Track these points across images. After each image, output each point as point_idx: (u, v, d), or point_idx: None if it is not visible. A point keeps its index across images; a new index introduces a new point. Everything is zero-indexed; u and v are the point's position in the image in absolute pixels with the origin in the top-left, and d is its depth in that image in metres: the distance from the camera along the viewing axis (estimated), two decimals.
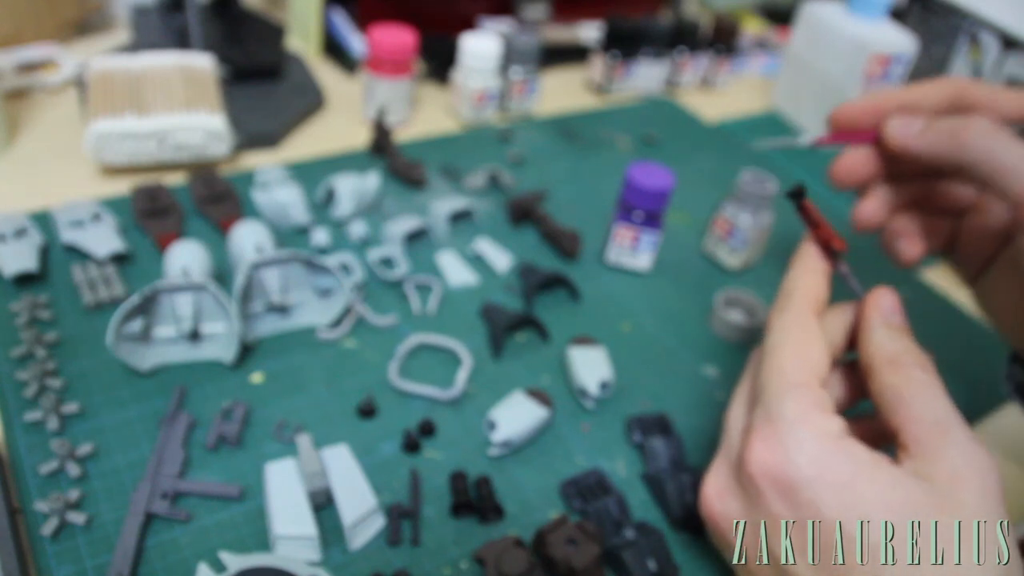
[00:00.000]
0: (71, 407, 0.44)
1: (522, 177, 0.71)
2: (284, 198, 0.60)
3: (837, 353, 0.40)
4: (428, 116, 0.79)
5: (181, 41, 0.74)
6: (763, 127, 0.87)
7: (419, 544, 0.41)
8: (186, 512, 0.41)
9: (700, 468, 0.46)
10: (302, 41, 0.86)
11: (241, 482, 0.43)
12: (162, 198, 0.59)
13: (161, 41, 0.75)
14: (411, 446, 0.46)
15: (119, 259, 0.55)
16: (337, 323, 0.53)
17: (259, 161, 0.68)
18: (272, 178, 0.63)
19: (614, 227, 0.60)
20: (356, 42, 0.84)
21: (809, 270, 0.40)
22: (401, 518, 0.42)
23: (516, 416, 0.46)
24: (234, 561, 0.36)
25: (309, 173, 0.66)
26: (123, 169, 0.64)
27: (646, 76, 0.87)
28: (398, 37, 0.71)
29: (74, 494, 0.40)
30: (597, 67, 0.86)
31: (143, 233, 0.57)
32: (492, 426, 0.46)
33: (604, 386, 0.50)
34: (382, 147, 0.69)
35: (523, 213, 0.64)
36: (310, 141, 0.72)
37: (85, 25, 0.83)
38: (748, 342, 0.58)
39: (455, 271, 0.59)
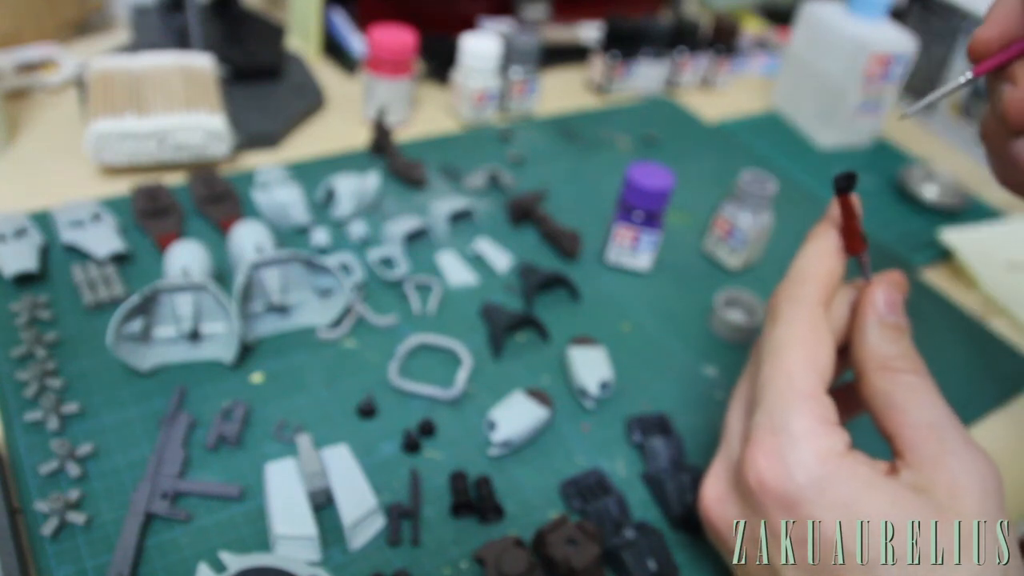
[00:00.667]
0: (71, 407, 0.44)
1: (522, 177, 0.71)
2: (284, 198, 0.60)
3: (840, 339, 0.39)
4: (428, 116, 0.79)
5: (181, 41, 0.74)
6: (763, 127, 0.87)
7: (419, 544, 0.41)
8: (186, 512, 0.41)
9: (700, 468, 0.46)
10: (302, 41, 0.86)
11: (241, 482, 0.43)
12: (162, 198, 0.59)
13: (161, 41, 0.75)
14: (411, 446, 0.46)
15: (119, 259, 0.55)
16: (337, 323, 0.53)
17: (259, 161, 0.68)
18: (272, 178, 0.63)
19: (614, 227, 0.60)
20: (356, 42, 0.84)
21: (826, 252, 0.38)
22: (401, 518, 0.42)
23: (516, 416, 0.46)
24: (234, 561, 0.36)
25: (309, 173, 0.66)
26: (123, 169, 0.64)
27: (646, 76, 0.87)
28: (398, 37, 0.71)
29: (74, 494, 0.40)
30: (597, 67, 0.86)
31: (143, 233, 0.57)
32: (492, 426, 0.46)
33: (604, 386, 0.50)
34: (382, 147, 0.69)
35: (523, 213, 0.64)
36: (310, 141, 0.72)
37: (85, 25, 0.83)
38: (748, 342, 0.57)
39: (455, 271, 0.59)
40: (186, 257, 0.51)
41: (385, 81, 0.72)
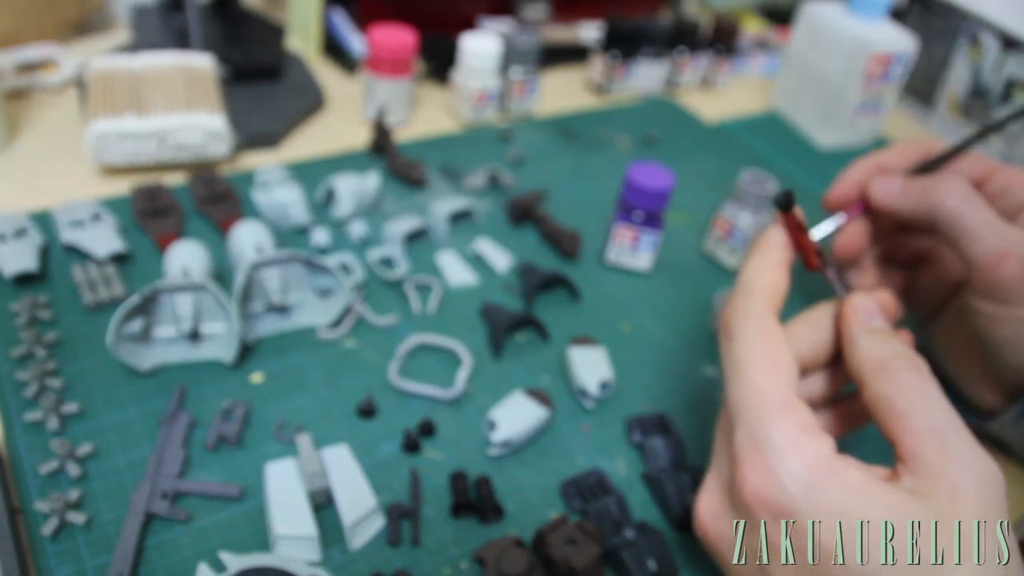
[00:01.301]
0: (71, 407, 0.44)
1: (522, 177, 0.71)
2: (284, 198, 0.60)
3: (824, 356, 0.39)
4: (428, 116, 0.79)
5: (181, 41, 0.74)
6: (763, 127, 0.87)
7: (419, 544, 0.41)
8: (186, 512, 0.41)
9: (700, 468, 0.46)
10: (302, 41, 0.86)
11: (241, 482, 0.43)
12: (162, 198, 0.59)
13: (161, 41, 0.75)
14: (411, 446, 0.46)
15: (119, 259, 0.55)
16: (337, 323, 0.53)
17: (259, 161, 0.68)
18: (272, 178, 0.63)
19: (614, 227, 0.60)
20: (356, 42, 0.84)
21: (770, 263, 0.39)
22: (401, 518, 0.42)
23: (516, 416, 0.46)
24: (234, 561, 0.36)
25: (309, 173, 0.66)
26: (123, 169, 0.64)
27: (646, 76, 0.87)
28: (398, 37, 0.71)
29: (74, 494, 0.40)
30: (597, 67, 0.86)
31: (143, 233, 0.57)
32: (492, 426, 0.46)
33: (604, 386, 0.50)
34: (382, 147, 0.69)
35: (523, 213, 0.64)
36: (310, 141, 0.72)
37: (85, 25, 0.83)
38: None
39: (455, 271, 0.59)
40: (186, 257, 0.51)
41: (385, 81, 0.72)
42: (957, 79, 0.87)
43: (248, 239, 0.53)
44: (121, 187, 0.62)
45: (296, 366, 0.50)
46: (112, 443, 0.43)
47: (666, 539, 0.43)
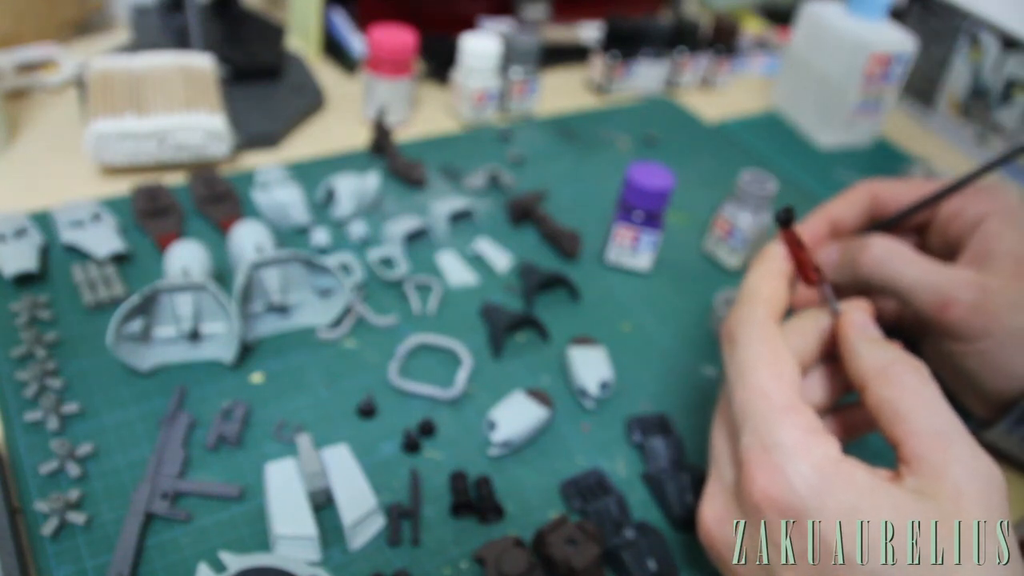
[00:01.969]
0: (71, 407, 0.44)
1: (522, 177, 0.71)
2: (284, 198, 0.60)
3: (809, 362, 0.40)
4: (428, 116, 0.79)
5: (181, 41, 0.74)
6: (763, 127, 0.87)
7: (419, 544, 0.41)
8: (186, 512, 0.41)
9: (700, 468, 0.46)
10: (302, 41, 0.86)
11: (241, 482, 0.43)
12: (162, 198, 0.59)
13: (161, 41, 0.75)
14: (411, 446, 0.46)
15: (119, 259, 0.55)
16: (337, 323, 0.53)
17: (259, 161, 0.68)
18: (272, 178, 0.63)
19: (614, 227, 0.60)
20: (356, 42, 0.84)
21: (771, 274, 0.40)
22: (401, 518, 0.42)
23: (516, 416, 0.46)
24: (234, 561, 0.36)
25: (309, 173, 0.66)
26: (123, 169, 0.64)
27: (646, 76, 0.87)
28: (398, 37, 0.71)
29: (74, 494, 0.40)
30: (597, 67, 0.86)
31: (143, 233, 0.57)
32: (492, 426, 0.46)
33: (604, 386, 0.50)
34: (382, 147, 0.69)
35: (523, 213, 0.64)
36: (310, 141, 0.72)
37: (85, 25, 0.83)
38: None
39: (455, 271, 0.59)
40: (186, 257, 0.51)
41: (385, 81, 0.72)
42: (957, 79, 0.87)
43: (248, 239, 0.53)
44: (121, 187, 0.62)
45: (296, 366, 0.50)
46: (112, 443, 0.43)
47: (666, 539, 0.43)
